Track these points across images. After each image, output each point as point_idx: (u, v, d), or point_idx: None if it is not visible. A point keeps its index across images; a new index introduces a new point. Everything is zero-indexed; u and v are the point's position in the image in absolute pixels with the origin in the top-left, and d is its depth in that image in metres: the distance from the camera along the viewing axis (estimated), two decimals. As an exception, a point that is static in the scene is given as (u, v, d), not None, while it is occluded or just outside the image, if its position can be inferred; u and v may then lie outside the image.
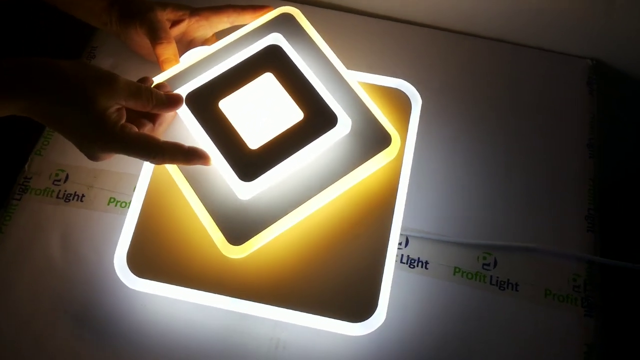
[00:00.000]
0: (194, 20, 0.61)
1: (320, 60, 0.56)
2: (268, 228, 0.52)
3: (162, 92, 0.52)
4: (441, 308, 0.56)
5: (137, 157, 0.50)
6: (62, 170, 0.61)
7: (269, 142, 0.52)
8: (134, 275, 0.53)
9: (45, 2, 0.62)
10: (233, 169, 0.51)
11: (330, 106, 0.52)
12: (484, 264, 0.58)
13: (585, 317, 0.56)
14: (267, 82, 0.54)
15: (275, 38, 0.55)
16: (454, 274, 0.57)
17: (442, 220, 0.60)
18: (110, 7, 0.60)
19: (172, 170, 0.54)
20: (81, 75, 0.48)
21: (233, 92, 0.53)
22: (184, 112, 0.54)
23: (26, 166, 0.61)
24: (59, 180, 0.61)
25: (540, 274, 0.57)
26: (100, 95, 0.48)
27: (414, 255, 0.58)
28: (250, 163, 0.52)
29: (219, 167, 0.52)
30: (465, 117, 0.65)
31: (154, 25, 0.58)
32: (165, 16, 0.60)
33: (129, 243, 0.54)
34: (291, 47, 0.56)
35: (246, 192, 0.52)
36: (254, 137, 0.52)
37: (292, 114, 0.53)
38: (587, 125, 0.65)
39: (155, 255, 0.54)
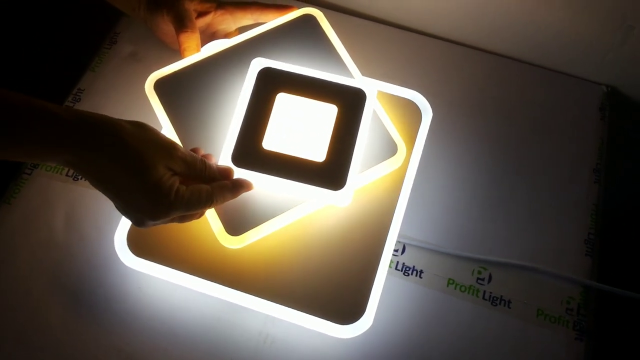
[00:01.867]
0: (219, 13, 0.62)
1: (336, 63, 0.57)
2: (267, 222, 0.53)
3: (214, 165, 0.50)
4: (431, 318, 0.56)
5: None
6: (74, 150, 0.62)
7: (279, 153, 0.52)
8: (133, 255, 0.54)
9: None
10: (234, 148, 0.52)
11: (350, 172, 0.51)
12: (478, 278, 0.58)
13: (576, 341, 0.55)
14: (328, 112, 0.53)
15: (370, 90, 0.54)
16: (448, 286, 0.57)
17: (441, 231, 0.59)
18: None
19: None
20: (142, 138, 0.44)
21: (297, 95, 0.54)
22: (249, 78, 0.54)
23: (39, 142, 0.63)
24: (70, 160, 0.62)
25: (534, 293, 0.57)
26: (159, 163, 0.44)
27: (409, 263, 0.58)
28: (250, 155, 0.52)
29: (227, 139, 0.53)
30: (473, 132, 0.65)
31: (181, 13, 0.59)
32: (192, 6, 0.61)
33: (130, 223, 0.55)
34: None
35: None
36: (274, 140, 0.52)
37: (318, 151, 0.52)
38: (596, 150, 0.65)
39: (155, 237, 0.55)
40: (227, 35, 0.65)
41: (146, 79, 0.66)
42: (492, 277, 0.58)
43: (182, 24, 0.59)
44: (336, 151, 0.52)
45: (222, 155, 0.52)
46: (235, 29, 0.66)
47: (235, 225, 0.53)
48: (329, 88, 0.54)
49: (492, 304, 0.56)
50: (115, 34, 0.70)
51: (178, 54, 0.60)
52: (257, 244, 0.54)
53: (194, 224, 0.54)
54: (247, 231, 0.52)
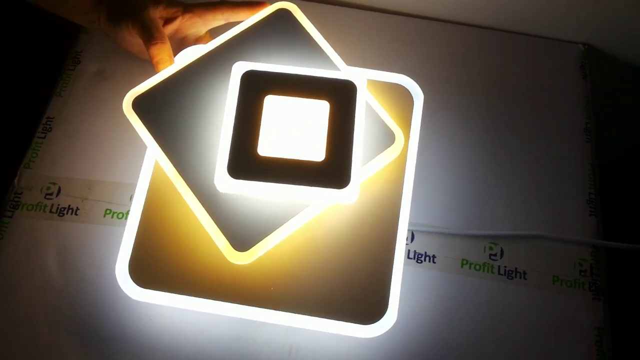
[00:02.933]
0: (187, 17, 0.59)
1: (319, 56, 0.54)
2: (274, 232, 0.50)
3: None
4: (451, 301, 0.55)
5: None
6: (54, 183, 0.58)
7: (277, 158, 0.49)
8: (138, 286, 0.51)
9: (28, 2, 0.59)
10: (229, 158, 0.49)
11: (353, 168, 0.49)
12: (490, 255, 0.57)
13: (594, 301, 0.55)
14: (320, 109, 0.50)
15: (359, 81, 0.51)
16: (462, 266, 0.56)
17: (446, 213, 0.58)
18: (98, 5, 0.58)
19: (172, 175, 0.51)
20: None
21: (285, 95, 0.51)
22: (233, 83, 0.51)
23: (15, 181, 0.58)
24: (52, 194, 0.58)
25: (547, 261, 0.57)
26: None
27: (420, 250, 0.57)
28: (246, 163, 0.49)
29: (219, 149, 0.49)
30: (464, 109, 0.63)
31: (147, 24, 0.55)
32: (158, 14, 0.57)
33: (130, 253, 0.52)
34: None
35: (226, 186, 0.49)
36: (269, 145, 0.49)
37: (316, 151, 0.49)
38: (583, 110, 0.65)
39: (159, 265, 0.51)
40: (198, 40, 0.62)
41: (118, 97, 0.61)
42: (504, 251, 0.57)
43: (150, 35, 0.55)
44: (335, 148, 0.50)
45: (218, 169, 0.49)
46: (206, 32, 0.62)
47: (242, 239, 0.50)
48: (317, 84, 0.52)
49: (507, 277, 0.56)
50: (77, 53, 0.66)
51: (147, 64, 0.56)
52: (265, 254, 0.51)
53: (198, 243, 0.52)
54: (254, 245, 0.50)
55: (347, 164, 0.49)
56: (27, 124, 0.63)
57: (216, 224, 0.51)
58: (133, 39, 0.58)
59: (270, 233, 0.51)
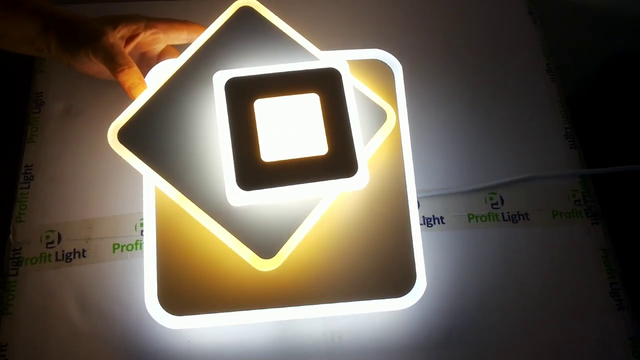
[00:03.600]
0: (149, 33, 0.57)
1: (293, 48, 0.54)
2: (295, 232, 0.50)
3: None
4: (467, 255, 0.57)
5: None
6: (52, 231, 0.56)
7: (282, 161, 0.48)
8: (172, 315, 0.50)
9: None
10: (235, 172, 0.48)
11: (357, 153, 0.49)
12: (492, 204, 0.60)
13: (593, 225, 0.59)
14: (310, 102, 0.50)
15: (341, 65, 0.51)
16: (470, 221, 0.59)
17: (443, 175, 0.60)
18: (45, 33, 0.54)
19: (179, 199, 0.51)
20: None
21: (274, 96, 0.50)
22: (218, 95, 0.50)
23: (10, 237, 0.56)
24: (52, 242, 0.55)
25: (544, 198, 0.60)
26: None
27: (428, 215, 0.59)
28: (254, 173, 0.48)
29: (223, 165, 0.49)
30: (435, 73, 0.65)
31: (110, 51, 0.53)
32: (119, 35, 0.55)
33: (156, 285, 0.51)
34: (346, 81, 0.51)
35: (237, 199, 0.48)
36: (271, 150, 0.49)
37: (317, 145, 0.49)
38: (541, 53, 0.68)
39: (187, 290, 0.51)
40: (161, 55, 0.60)
41: (93, 131, 0.61)
42: (503, 198, 0.60)
43: (115, 63, 0.53)
44: (335, 138, 0.50)
45: (227, 184, 0.48)
46: (166, 46, 0.60)
47: (266, 247, 0.50)
48: (302, 78, 0.51)
49: (513, 222, 0.59)
50: (37, 95, 0.63)
51: (115, 91, 0.55)
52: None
53: (219, 258, 0.51)
54: (280, 249, 0.50)
55: (351, 152, 0.50)
56: (6, 178, 0.60)
57: (237, 238, 0.50)
58: (93, 65, 0.56)
59: (292, 234, 0.51)
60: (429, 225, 0.59)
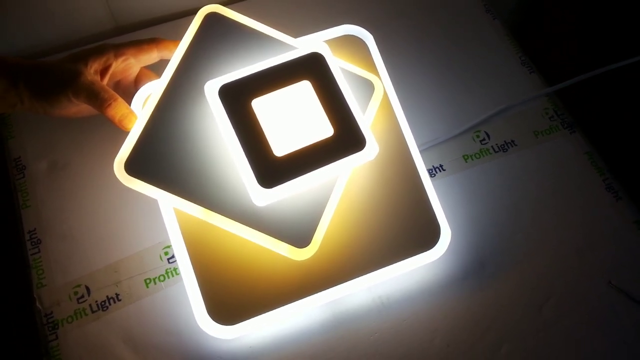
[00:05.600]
0: (120, 60, 0.55)
1: (270, 42, 0.55)
2: (323, 216, 0.51)
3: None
4: (473, 194, 0.60)
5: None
6: (79, 285, 0.54)
7: (294, 152, 0.49)
8: (226, 326, 0.50)
9: None
10: (254, 173, 0.48)
11: (361, 127, 0.50)
12: (481, 141, 0.63)
13: (572, 134, 0.64)
14: (304, 90, 0.51)
15: (321, 48, 0.52)
16: (466, 161, 0.62)
17: (431, 125, 0.63)
18: (15, 86, 0.52)
19: (203, 214, 0.50)
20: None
21: (268, 93, 0.50)
22: (214, 104, 0.49)
23: (37, 304, 0.53)
24: (83, 297, 0.54)
25: (522, 123, 0.64)
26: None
27: (428, 166, 0.61)
28: (272, 170, 0.49)
29: (239, 170, 0.49)
30: (408, 37, 0.69)
31: (91, 89, 0.52)
32: (93, 70, 0.53)
33: (202, 301, 0.50)
34: (330, 62, 0.52)
35: (263, 198, 0.49)
36: (280, 144, 0.49)
37: (322, 128, 0.50)
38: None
39: (233, 297, 0.51)
40: (138, 80, 0.58)
41: (84, 178, 0.59)
42: (489, 133, 0.63)
43: (100, 99, 0.51)
44: (337, 118, 0.51)
45: (250, 187, 0.48)
46: (141, 68, 0.59)
47: (300, 237, 0.51)
48: (289, 69, 0.52)
49: (504, 151, 0.62)
50: (16, 160, 0.60)
51: (94, 132, 0.53)
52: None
53: (253, 261, 0.51)
54: (313, 235, 0.51)
55: (355, 127, 0.51)
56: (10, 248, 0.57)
57: (270, 235, 0.51)
58: (72, 106, 0.54)
59: (320, 218, 0.52)
60: (432, 175, 0.61)
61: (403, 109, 0.56)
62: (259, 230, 0.51)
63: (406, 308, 0.55)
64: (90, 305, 0.53)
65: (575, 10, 0.92)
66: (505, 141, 0.63)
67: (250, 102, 0.51)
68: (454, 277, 0.56)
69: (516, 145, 0.63)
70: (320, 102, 0.52)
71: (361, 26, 0.58)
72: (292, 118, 0.51)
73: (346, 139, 0.51)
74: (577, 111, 0.66)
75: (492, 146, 0.63)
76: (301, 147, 0.50)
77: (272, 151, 0.50)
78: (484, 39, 0.70)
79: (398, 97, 0.57)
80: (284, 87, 0.51)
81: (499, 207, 0.59)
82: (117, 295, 0.54)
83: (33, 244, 0.56)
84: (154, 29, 0.69)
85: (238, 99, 0.51)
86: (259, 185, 0.48)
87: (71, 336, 0.52)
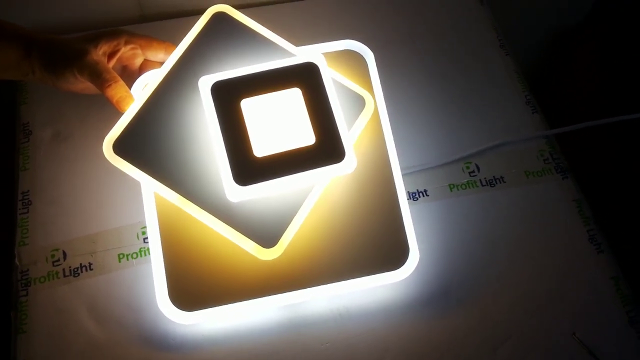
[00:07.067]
0: (129, 48, 0.58)
1: (270, 47, 0.57)
2: (292, 220, 0.52)
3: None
4: (453, 222, 0.60)
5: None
6: (57, 250, 0.57)
7: (273, 154, 0.51)
8: (185, 312, 0.52)
9: None
10: (231, 169, 0.50)
11: (343, 139, 0.52)
12: (469, 173, 0.63)
13: (564, 180, 0.63)
14: (293, 97, 0.53)
15: (317, 59, 0.54)
16: (451, 190, 0.62)
17: (421, 151, 0.64)
18: (28, 57, 0.55)
19: (179, 202, 0.52)
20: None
21: (258, 95, 0.52)
22: (206, 99, 0.51)
23: (16, 260, 0.56)
24: (58, 260, 0.56)
25: (515, 161, 0.64)
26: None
27: (412, 189, 0.62)
28: (249, 168, 0.50)
29: (219, 164, 0.51)
30: (403, 59, 0.69)
31: (95, 69, 0.54)
32: (101, 52, 0.56)
33: (166, 285, 0.52)
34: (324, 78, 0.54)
35: (236, 194, 0.50)
36: (262, 145, 0.51)
37: (305, 136, 0.52)
38: (492, 31, 0.73)
39: (196, 285, 0.52)
40: (142, 67, 0.61)
41: (84, 152, 0.62)
42: (479, 166, 0.63)
43: (101, 79, 0.54)
44: (321, 128, 0.52)
45: (225, 182, 0.50)
46: (144, 60, 0.62)
47: (267, 237, 0.52)
48: (282, 74, 0.54)
49: (490, 186, 0.62)
50: (25, 126, 0.64)
51: (99, 111, 0.56)
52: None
53: (222, 254, 0.53)
54: (280, 237, 0.52)
55: (337, 139, 0.52)
56: (4, 204, 0.60)
57: (239, 231, 0.52)
58: (79, 83, 0.57)
59: (290, 222, 0.53)
60: (415, 199, 0.62)
61: (396, 130, 0.57)
62: (229, 225, 0.52)
63: (363, 323, 0.55)
64: (63, 269, 0.56)
65: (595, 60, 0.91)
66: (494, 176, 0.63)
67: (240, 101, 0.52)
68: (416, 301, 0.56)
69: (505, 182, 0.62)
70: (307, 110, 0.53)
71: (368, 44, 0.59)
72: (277, 122, 0.53)
73: (326, 149, 0.52)
74: (574, 157, 0.66)
75: (480, 179, 0.63)
76: (281, 151, 0.52)
77: (252, 151, 0.51)
78: (492, 72, 0.70)
79: (394, 118, 0.58)
80: (275, 91, 0.53)
81: (475, 240, 0.59)
82: (90, 264, 0.56)
83: (24, 204, 0.59)
84: (177, 21, 0.72)
85: (228, 96, 0.53)
86: (234, 182, 0.50)
87: (40, 295, 0.55)
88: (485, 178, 0.63)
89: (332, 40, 0.60)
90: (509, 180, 0.63)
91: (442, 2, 0.74)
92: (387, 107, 0.58)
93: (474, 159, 0.64)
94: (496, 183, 0.62)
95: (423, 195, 0.62)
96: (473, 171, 0.63)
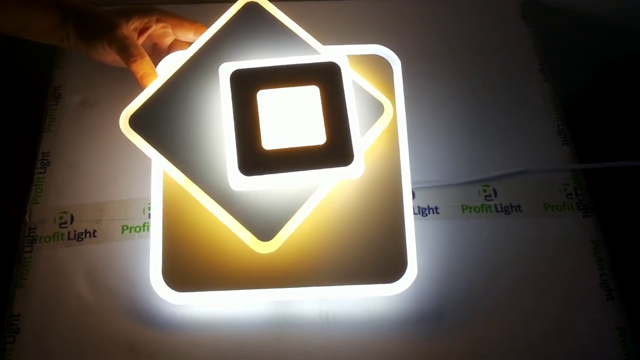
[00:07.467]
0: (160, 26, 0.60)
1: (296, 43, 0.56)
2: (292, 218, 0.52)
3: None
4: (460, 244, 0.58)
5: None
6: (66, 212, 0.58)
7: (282, 149, 0.50)
8: (175, 292, 0.52)
9: None
10: (237, 157, 0.50)
11: (354, 144, 0.51)
12: (485, 196, 0.61)
13: (584, 218, 0.60)
14: (311, 94, 0.52)
15: (341, 60, 0.53)
16: (463, 212, 0.60)
17: (439, 167, 0.62)
18: (64, 23, 0.57)
19: (185, 183, 0.53)
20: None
21: (276, 87, 0.52)
22: (224, 85, 0.52)
23: (27, 217, 0.58)
24: (65, 223, 0.58)
25: (536, 191, 0.61)
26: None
27: (423, 205, 0.60)
28: (255, 159, 0.50)
29: (227, 151, 0.51)
30: (435, 71, 0.68)
31: (124, 42, 0.56)
32: (132, 27, 0.58)
33: (161, 262, 0.53)
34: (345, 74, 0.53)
35: (240, 184, 0.50)
36: (271, 138, 0.51)
37: (316, 135, 0.51)
38: (534, 54, 0.70)
39: (190, 267, 0.53)
40: (171, 46, 0.63)
41: (107, 121, 0.64)
42: (497, 191, 0.61)
43: (128, 53, 0.56)
44: (333, 129, 0.52)
45: (229, 169, 0.50)
46: (175, 39, 0.63)
47: (265, 230, 0.52)
48: (303, 71, 0.53)
49: (505, 213, 0.60)
50: (56, 89, 0.66)
51: (128, 85, 0.57)
52: (287, 238, 0.53)
53: (222, 238, 0.53)
54: (277, 233, 0.51)
55: (347, 142, 0.51)
56: (24, 161, 0.63)
57: (238, 221, 0.52)
58: (108, 55, 0.59)
59: (290, 219, 0.53)
60: (424, 214, 0.60)
61: (415, 142, 0.56)
62: (229, 213, 0.52)
63: (348, 332, 0.54)
64: (69, 232, 0.58)
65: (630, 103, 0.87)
66: (511, 204, 0.61)
67: (257, 91, 0.52)
68: (407, 319, 0.55)
69: (521, 211, 0.60)
70: (323, 109, 0.52)
71: (400, 53, 0.58)
72: (290, 117, 0.52)
73: (335, 151, 0.51)
74: (599, 196, 0.62)
75: (495, 204, 0.60)
76: (290, 147, 0.51)
77: (261, 142, 0.51)
78: (526, 96, 0.67)
79: (414, 129, 0.57)
80: (293, 86, 0.53)
81: (479, 266, 0.57)
82: (94, 231, 0.58)
83: (42, 164, 0.61)
84: (213, 6, 0.72)
85: (246, 85, 0.53)
86: (238, 170, 0.50)
87: (43, 254, 0.57)
88: (501, 204, 0.61)
89: (362, 42, 0.59)
90: (526, 210, 0.60)
91: (487, 19, 0.72)
92: (408, 118, 0.57)
93: (493, 182, 0.62)
94: (512, 211, 0.60)
95: (433, 212, 0.60)
96: (489, 195, 0.61)
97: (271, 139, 0.52)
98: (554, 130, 0.65)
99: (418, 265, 0.53)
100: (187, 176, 0.53)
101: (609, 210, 0.67)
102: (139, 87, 0.56)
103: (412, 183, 0.60)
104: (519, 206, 0.60)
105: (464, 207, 0.60)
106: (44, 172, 0.60)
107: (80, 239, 0.57)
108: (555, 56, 0.73)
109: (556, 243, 0.59)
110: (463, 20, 0.72)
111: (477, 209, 0.60)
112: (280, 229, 0.53)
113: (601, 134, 0.87)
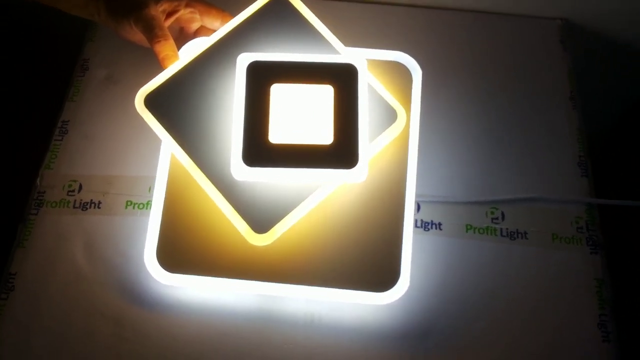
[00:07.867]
0: (188, 11, 0.61)
1: (318, 41, 0.56)
2: (290, 213, 0.52)
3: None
4: (459, 264, 0.57)
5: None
6: (75, 181, 0.60)
7: (287, 144, 0.51)
8: (166, 272, 0.53)
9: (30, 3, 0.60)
10: (242, 147, 0.50)
11: (360, 147, 0.51)
12: (492, 219, 0.60)
13: (592, 255, 0.58)
14: (324, 93, 0.52)
15: (359, 63, 0.53)
16: (467, 231, 0.59)
17: (449, 183, 0.61)
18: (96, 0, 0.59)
19: (189, 166, 0.53)
20: None
21: (290, 83, 0.52)
22: (239, 75, 0.52)
23: (38, 181, 0.60)
24: (73, 191, 0.60)
25: (545, 220, 0.59)
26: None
27: (427, 219, 0.59)
28: (259, 151, 0.50)
29: (232, 140, 0.51)
30: (458, 85, 0.66)
31: (150, 23, 0.57)
32: (160, 8, 0.59)
33: (156, 242, 0.54)
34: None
35: (242, 174, 0.50)
36: (279, 132, 0.51)
37: (324, 134, 0.51)
38: (567, 80, 0.68)
39: (184, 250, 0.53)
40: (197, 32, 0.63)
41: (128, 99, 0.64)
42: (505, 214, 0.60)
43: (153, 33, 0.57)
44: (342, 130, 0.51)
45: (233, 158, 0.51)
46: (201, 26, 0.64)
47: (261, 223, 0.52)
48: (320, 69, 0.53)
49: (510, 239, 0.59)
50: (85, 61, 0.68)
51: (152, 67, 0.58)
52: (283, 233, 0.53)
53: (219, 226, 0.54)
54: (273, 226, 0.52)
55: (354, 145, 0.51)
56: (42, 127, 0.65)
57: (235, 210, 0.53)
58: (135, 34, 0.60)
59: (287, 214, 0.53)
60: (426, 229, 0.59)
61: (426, 154, 0.56)
62: (228, 201, 0.53)
63: (330, 336, 0.54)
64: (75, 200, 0.59)
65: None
66: (517, 229, 0.59)
67: (271, 85, 0.53)
68: (393, 331, 0.54)
69: (527, 239, 0.58)
70: (334, 110, 0.52)
71: (424, 63, 0.57)
72: (301, 114, 0.52)
73: (340, 152, 0.51)
74: (613, 233, 0.60)
75: (501, 228, 0.59)
76: (296, 143, 0.51)
77: (268, 135, 0.51)
78: (552, 122, 0.65)
79: (427, 141, 0.56)
80: (307, 83, 0.53)
81: (475, 288, 0.56)
82: (99, 202, 0.59)
83: (60, 132, 0.63)
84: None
85: (261, 77, 0.53)
86: (241, 160, 0.51)
87: (47, 218, 0.58)
88: (507, 228, 0.59)
89: (386, 49, 0.59)
90: (532, 238, 0.58)
91: (521, 38, 0.70)
92: (424, 129, 0.56)
93: (502, 206, 0.60)
94: (517, 237, 0.58)
95: (436, 228, 0.59)
96: (497, 218, 0.59)
97: (278, 133, 0.52)
98: (574, 160, 0.63)
99: (411, 279, 0.52)
100: (192, 160, 0.54)
101: (620, 249, 0.64)
102: (161, 69, 0.57)
103: (419, 195, 0.60)
104: (525, 233, 0.59)
105: (468, 227, 0.59)
106: (61, 140, 0.62)
107: (85, 209, 0.59)
108: (587, 85, 0.70)
109: (558, 276, 0.57)
110: (496, 36, 0.70)
111: (481, 230, 0.59)
112: (276, 224, 0.52)
113: (621, 171, 0.83)
